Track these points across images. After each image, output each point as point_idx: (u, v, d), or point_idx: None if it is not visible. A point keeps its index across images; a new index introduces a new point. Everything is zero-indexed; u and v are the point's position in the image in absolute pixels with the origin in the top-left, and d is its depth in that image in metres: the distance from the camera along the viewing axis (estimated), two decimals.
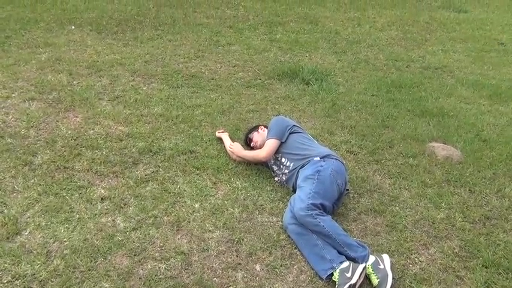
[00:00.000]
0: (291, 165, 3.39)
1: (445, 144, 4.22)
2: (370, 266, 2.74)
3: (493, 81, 6.00)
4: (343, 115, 4.63)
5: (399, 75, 5.87)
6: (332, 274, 2.70)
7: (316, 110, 4.71)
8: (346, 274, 2.64)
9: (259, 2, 8.99)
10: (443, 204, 3.44)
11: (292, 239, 2.97)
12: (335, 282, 2.65)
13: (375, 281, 2.68)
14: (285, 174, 3.44)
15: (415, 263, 2.91)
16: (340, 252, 2.82)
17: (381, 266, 2.73)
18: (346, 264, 2.70)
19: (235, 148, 3.71)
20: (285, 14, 8.26)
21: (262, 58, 6.01)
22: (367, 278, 2.74)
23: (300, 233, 2.92)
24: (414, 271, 2.84)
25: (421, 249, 3.02)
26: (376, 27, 8.07)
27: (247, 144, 3.83)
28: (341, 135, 4.25)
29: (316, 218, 2.84)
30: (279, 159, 3.51)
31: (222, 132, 4.00)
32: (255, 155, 3.57)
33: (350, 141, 4.17)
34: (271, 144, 3.48)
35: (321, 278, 2.72)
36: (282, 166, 3.48)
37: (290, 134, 3.53)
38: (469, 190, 3.64)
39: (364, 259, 2.78)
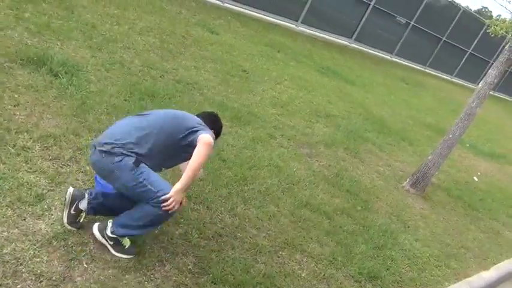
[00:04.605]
0: None
1: None
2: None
3: (235, 104, 6.55)
4: (92, 117, 4.37)
5: (153, 84, 5.88)
6: None
7: (62, 106, 4.32)
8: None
9: None
10: (182, 220, 3.54)
11: None
12: None
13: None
14: None
15: (151, 279, 2.90)
16: None
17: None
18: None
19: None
20: None
21: (3, 36, 5.25)
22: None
23: None
24: None
25: (158, 266, 3.03)
26: (134, 30, 7.95)
27: None
28: (87, 138, 4.00)
29: None
30: None
31: None
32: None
33: None
34: None
35: None
36: None
37: None
38: (207, 207, 3.85)
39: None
